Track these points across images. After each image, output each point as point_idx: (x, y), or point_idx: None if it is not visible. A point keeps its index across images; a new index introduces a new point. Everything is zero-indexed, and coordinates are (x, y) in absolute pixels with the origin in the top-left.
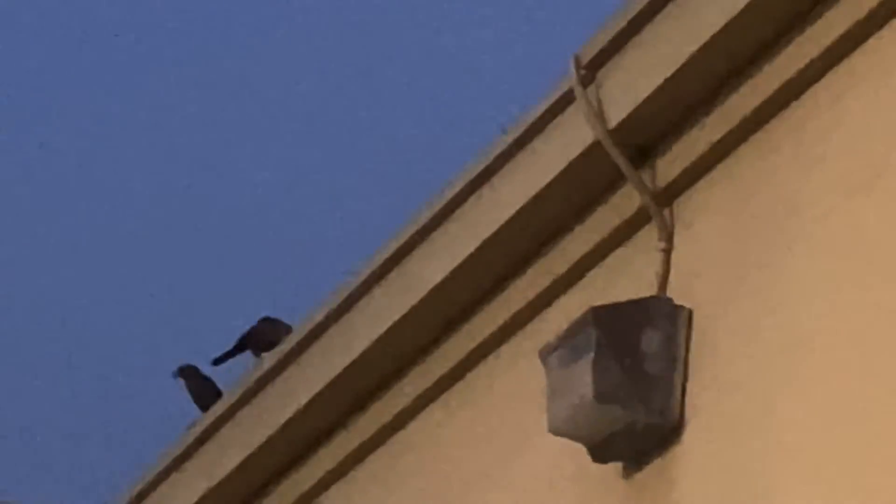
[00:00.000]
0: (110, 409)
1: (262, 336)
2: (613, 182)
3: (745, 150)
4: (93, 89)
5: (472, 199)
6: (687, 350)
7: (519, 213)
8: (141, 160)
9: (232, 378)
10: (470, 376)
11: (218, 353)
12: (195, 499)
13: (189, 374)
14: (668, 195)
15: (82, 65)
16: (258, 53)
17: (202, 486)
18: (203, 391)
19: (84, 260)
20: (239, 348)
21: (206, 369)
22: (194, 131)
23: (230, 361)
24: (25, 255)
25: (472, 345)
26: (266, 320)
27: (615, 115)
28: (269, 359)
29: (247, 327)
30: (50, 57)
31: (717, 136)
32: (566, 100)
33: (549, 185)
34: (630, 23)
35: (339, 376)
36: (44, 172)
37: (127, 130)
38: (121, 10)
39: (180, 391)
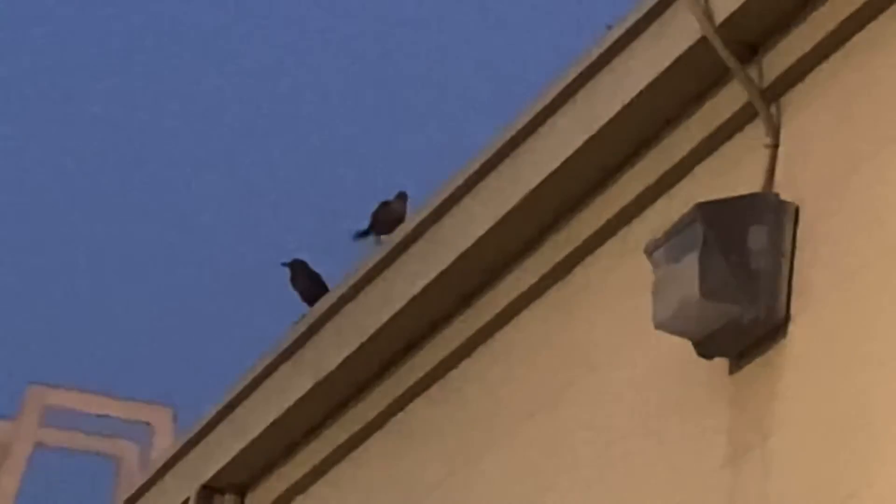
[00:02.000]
0: (218, 305)
1: (387, 215)
2: (720, 78)
3: (852, 47)
4: None
5: (579, 95)
6: (793, 246)
7: (625, 109)
8: None
9: (338, 275)
10: (576, 272)
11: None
12: (301, 394)
13: (297, 268)
14: (775, 91)
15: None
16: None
17: (308, 381)
18: (310, 286)
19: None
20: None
21: (316, 264)
22: None
23: (337, 260)
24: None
25: (579, 241)
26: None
27: (723, 11)
28: (374, 255)
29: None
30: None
31: (824, 33)
32: None
33: (655, 81)
34: None
35: (443, 273)
36: None
37: None
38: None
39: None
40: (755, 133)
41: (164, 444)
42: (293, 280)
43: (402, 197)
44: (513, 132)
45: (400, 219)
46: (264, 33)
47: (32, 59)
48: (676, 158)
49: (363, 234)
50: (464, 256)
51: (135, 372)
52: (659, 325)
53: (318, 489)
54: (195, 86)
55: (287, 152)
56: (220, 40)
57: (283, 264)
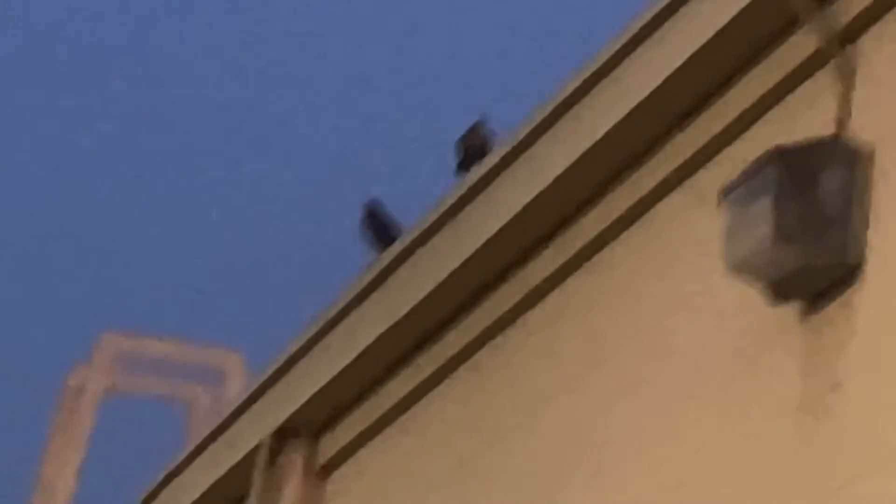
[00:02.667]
0: (290, 248)
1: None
2: (793, 23)
3: None
4: None
5: (650, 41)
6: (867, 189)
7: (697, 54)
8: None
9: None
10: (650, 215)
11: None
12: (374, 337)
13: (373, 210)
14: (850, 34)
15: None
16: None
17: (381, 324)
18: (383, 230)
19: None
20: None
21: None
22: None
23: (408, 202)
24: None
25: (652, 183)
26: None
27: None
28: (447, 198)
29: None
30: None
31: None
32: None
33: (727, 26)
34: None
35: (516, 216)
36: None
37: None
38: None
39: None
40: (828, 77)
41: (235, 388)
42: (367, 220)
43: (479, 126)
44: (580, 81)
45: (484, 147)
46: None
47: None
48: (751, 102)
49: (461, 166)
50: (537, 200)
51: (206, 317)
52: (732, 269)
53: (391, 432)
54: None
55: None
56: None
57: (363, 205)
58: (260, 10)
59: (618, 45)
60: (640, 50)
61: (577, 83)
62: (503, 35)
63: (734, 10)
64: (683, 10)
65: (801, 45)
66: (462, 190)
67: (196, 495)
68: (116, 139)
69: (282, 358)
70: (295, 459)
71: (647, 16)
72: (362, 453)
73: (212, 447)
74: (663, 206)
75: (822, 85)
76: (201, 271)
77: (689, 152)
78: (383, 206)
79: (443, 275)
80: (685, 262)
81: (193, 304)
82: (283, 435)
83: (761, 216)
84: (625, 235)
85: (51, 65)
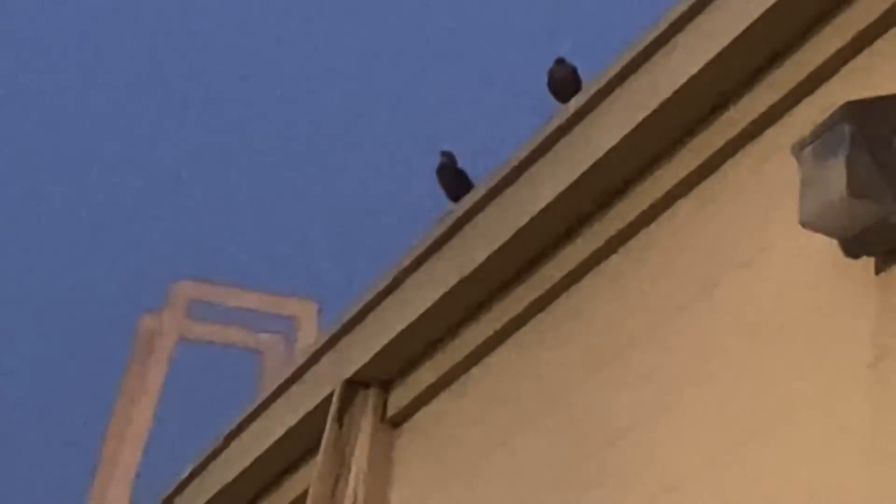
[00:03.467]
0: (364, 199)
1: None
2: None
3: None
4: None
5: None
6: None
7: (773, 8)
8: None
9: (484, 170)
10: (724, 169)
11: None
12: (446, 289)
13: (446, 162)
14: None
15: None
16: None
17: (453, 276)
18: (455, 182)
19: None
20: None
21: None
22: None
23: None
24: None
25: (727, 137)
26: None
27: None
28: (519, 152)
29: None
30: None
31: None
32: None
33: None
34: None
35: (590, 169)
36: None
37: None
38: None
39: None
40: None
41: (308, 337)
42: (440, 172)
43: (561, 63)
44: (656, 34)
45: (571, 82)
46: None
47: None
48: (827, 56)
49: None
50: (612, 153)
51: (279, 266)
52: (805, 224)
53: (463, 384)
54: None
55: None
56: None
57: (442, 152)
58: None
59: (689, 2)
60: (712, 6)
61: (653, 36)
62: None
63: None
64: None
65: (876, 0)
66: (533, 145)
67: (268, 444)
68: (194, 94)
69: (354, 308)
70: (366, 410)
71: None
72: (433, 405)
73: (284, 396)
74: (739, 161)
75: None
76: (276, 221)
77: (761, 109)
78: (454, 159)
79: (514, 229)
80: (757, 217)
81: (267, 252)
82: (355, 385)
83: (835, 172)
84: (699, 189)
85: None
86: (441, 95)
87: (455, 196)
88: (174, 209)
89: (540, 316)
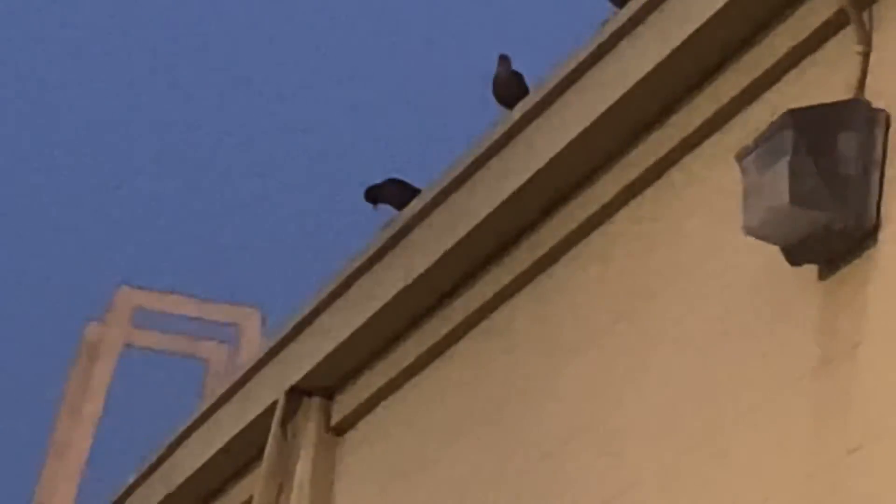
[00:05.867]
0: (307, 206)
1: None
2: None
3: None
4: None
5: (666, 3)
6: (884, 153)
7: (716, 15)
8: None
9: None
10: (666, 177)
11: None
12: (390, 297)
13: (387, 187)
14: None
15: None
16: None
17: (397, 284)
18: (400, 192)
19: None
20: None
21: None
22: None
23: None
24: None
25: (670, 145)
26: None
27: None
28: (463, 159)
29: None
30: None
31: None
32: None
33: None
34: None
35: (534, 176)
36: None
37: None
38: None
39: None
40: (847, 40)
41: (252, 346)
42: (379, 192)
43: (505, 60)
44: (603, 38)
45: (516, 89)
46: None
47: None
48: (767, 65)
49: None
50: (555, 160)
51: (223, 274)
52: (748, 231)
53: (406, 392)
54: None
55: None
56: None
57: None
58: None
59: (636, 7)
60: (658, 11)
61: (600, 39)
62: None
63: None
64: None
65: (819, 7)
66: (477, 152)
67: (212, 452)
68: (137, 95)
69: (298, 316)
70: (310, 418)
71: None
72: (376, 413)
73: (228, 404)
74: (681, 169)
75: (842, 47)
76: (220, 228)
77: (706, 115)
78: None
79: (457, 237)
80: (702, 223)
81: (211, 260)
82: (299, 393)
83: (778, 179)
84: (641, 198)
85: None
86: (383, 103)
87: (400, 204)
88: (118, 216)
89: (482, 325)
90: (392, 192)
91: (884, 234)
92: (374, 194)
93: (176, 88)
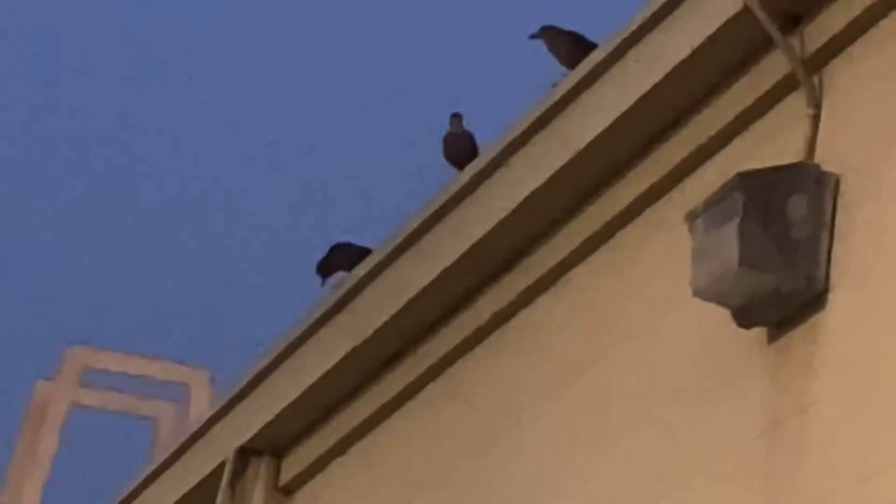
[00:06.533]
0: (257, 267)
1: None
2: (762, 48)
3: (895, 18)
4: None
5: (619, 64)
6: (833, 216)
7: (667, 78)
8: None
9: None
10: (617, 238)
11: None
12: (340, 357)
13: (334, 253)
14: (817, 62)
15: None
16: None
17: (347, 344)
18: (349, 255)
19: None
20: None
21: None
22: None
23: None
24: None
25: (620, 207)
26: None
27: None
28: (412, 220)
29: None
30: None
31: (867, 3)
32: None
33: (697, 51)
34: None
35: (484, 237)
36: None
37: None
38: None
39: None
40: (797, 103)
41: (201, 405)
42: (327, 263)
43: (456, 118)
44: (555, 99)
45: (465, 146)
46: None
47: None
48: (718, 128)
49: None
50: (506, 220)
51: (172, 333)
52: (698, 294)
53: (356, 452)
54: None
55: (329, 133)
56: None
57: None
58: None
59: (589, 67)
60: (610, 72)
61: (551, 101)
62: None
63: (706, 34)
64: (656, 32)
65: (770, 70)
66: (427, 212)
67: None
68: (81, 152)
69: (247, 376)
70: (259, 478)
71: (617, 39)
72: (325, 474)
73: (176, 464)
74: (632, 230)
75: (792, 110)
76: (169, 288)
77: (658, 176)
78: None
79: (410, 295)
80: (654, 284)
81: (160, 319)
82: (248, 453)
83: (727, 241)
84: (593, 257)
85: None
86: (332, 161)
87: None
88: (67, 275)
89: (430, 386)
90: (341, 256)
91: (833, 297)
92: (325, 267)
93: (121, 145)
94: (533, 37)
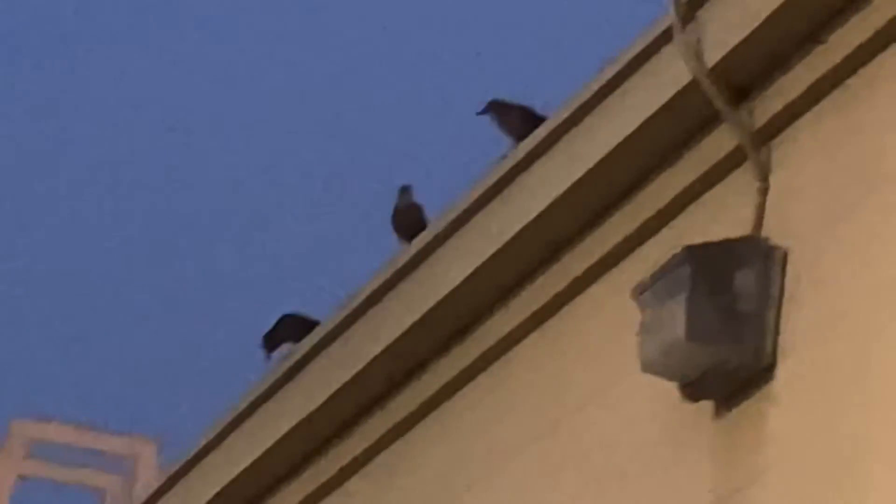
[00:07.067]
0: (203, 339)
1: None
2: (710, 121)
3: (843, 91)
4: None
5: (568, 136)
6: (781, 290)
7: (615, 150)
8: None
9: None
10: (564, 312)
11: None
12: (286, 430)
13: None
14: (765, 135)
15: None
16: None
17: (293, 417)
18: (297, 326)
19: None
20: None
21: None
22: None
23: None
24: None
25: (567, 281)
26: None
27: (713, 54)
28: (361, 292)
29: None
30: None
31: (815, 77)
32: (665, 37)
33: (645, 123)
34: None
35: (431, 310)
36: None
37: None
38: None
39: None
40: (745, 176)
41: (147, 477)
42: (275, 335)
43: (406, 191)
44: (501, 172)
45: (415, 219)
46: None
47: None
48: (666, 200)
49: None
50: (455, 292)
51: (118, 405)
52: (645, 367)
53: None
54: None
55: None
56: None
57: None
58: None
59: (537, 140)
60: (559, 145)
61: (501, 173)
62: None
63: (654, 107)
64: (603, 105)
65: (719, 143)
66: (376, 284)
67: None
68: (24, 220)
69: (194, 447)
70: None
71: (566, 112)
72: None
73: None
74: (581, 301)
75: (740, 184)
76: (116, 359)
77: (607, 247)
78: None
79: (356, 368)
80: (598, 359)
81: (107, 391)
82: None
83: (674, 315)
84: (543, 329)
85: None
86: (278, 231)
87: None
88: (13, 346)
89: (377, 459)
90: (288, 328)
91: (780, 371)
92: (271, 339)
93: (51, 214)
94: (481, 113)
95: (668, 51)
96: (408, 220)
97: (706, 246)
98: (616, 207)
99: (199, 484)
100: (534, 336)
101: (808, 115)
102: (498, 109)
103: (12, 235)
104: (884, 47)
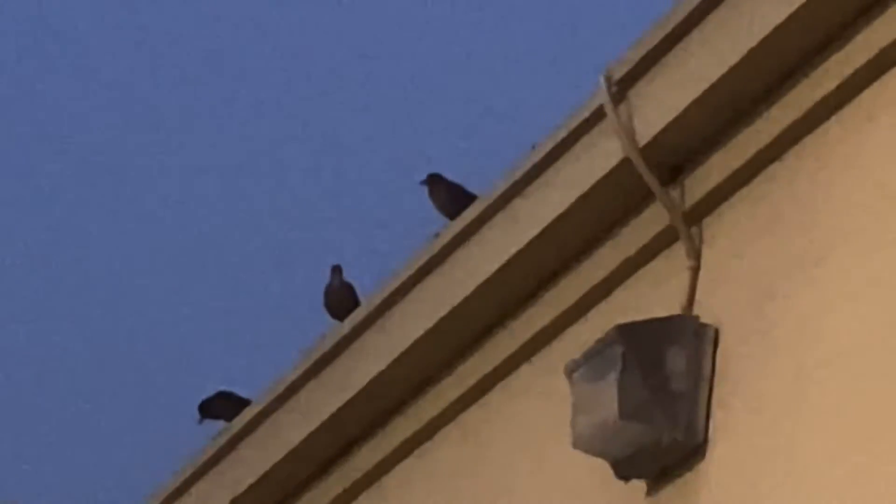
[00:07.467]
0: (133, 415)
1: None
2: (642, 200)
3: (773, 171)
4: None
5: (501, 215)
6: (713, 368)
7: (547, 229)
8: None
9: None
10: (495, 392)
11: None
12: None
13: (217, 400)
14: (697, 214)
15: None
16: None
17: (225, 497)
18: (230, 404)
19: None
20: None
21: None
22: None
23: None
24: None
25: (498, 361)
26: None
27: (645, 133)
28: (292, 371)
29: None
30: None
31: (746, 157)
32: (597, 117)
33: (577, 202)
34: (661, 42)
35: (362, 390)
36: None
37: None
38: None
39: None
40: (676, 255)
41: None
42: (210, 406)
43: (336, 271)
44: (432, 252)
45: (345, 297)
46: None
47: None
48: (598, 279)
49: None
50: (386, 372)
51: (48, 479)
52: (577, 446)
53: None
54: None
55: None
56: None
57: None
58: None
59: (467, 220)
60: (492, 222)
61: (434, 251)
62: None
63: (586, 186)
64: (535, 183)
65: (651, 221)
66: (309, 361)
67: None
68: None
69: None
70: None
71: (499, 190)
72: None
73: None
74: (516, 378)
75: (672, 262)
76: (42, 434)
77: (537, 328)
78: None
79: (287, 448)
80: (529, 438)
81: (67, 472)
82: None
83: (607, 394)
84: (475, 407)
85: None
86: (212, 310)
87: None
88: None
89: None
90: (222, 405)
91: (712, 449)
92: (206, 408)
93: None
94: (423, 183)
95: (601, 129)
96: (339, 298)
97: (638, 325)
98: (550, 285)
99: None
100: (466, 415)
101: (740, 194)
102: (433, 183)
103: None
104: (810, 130)
